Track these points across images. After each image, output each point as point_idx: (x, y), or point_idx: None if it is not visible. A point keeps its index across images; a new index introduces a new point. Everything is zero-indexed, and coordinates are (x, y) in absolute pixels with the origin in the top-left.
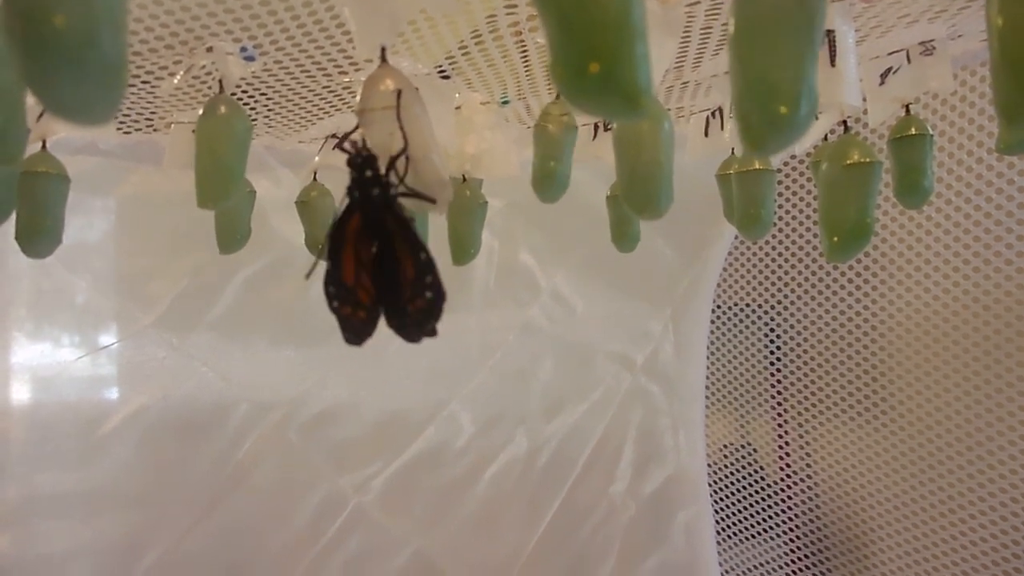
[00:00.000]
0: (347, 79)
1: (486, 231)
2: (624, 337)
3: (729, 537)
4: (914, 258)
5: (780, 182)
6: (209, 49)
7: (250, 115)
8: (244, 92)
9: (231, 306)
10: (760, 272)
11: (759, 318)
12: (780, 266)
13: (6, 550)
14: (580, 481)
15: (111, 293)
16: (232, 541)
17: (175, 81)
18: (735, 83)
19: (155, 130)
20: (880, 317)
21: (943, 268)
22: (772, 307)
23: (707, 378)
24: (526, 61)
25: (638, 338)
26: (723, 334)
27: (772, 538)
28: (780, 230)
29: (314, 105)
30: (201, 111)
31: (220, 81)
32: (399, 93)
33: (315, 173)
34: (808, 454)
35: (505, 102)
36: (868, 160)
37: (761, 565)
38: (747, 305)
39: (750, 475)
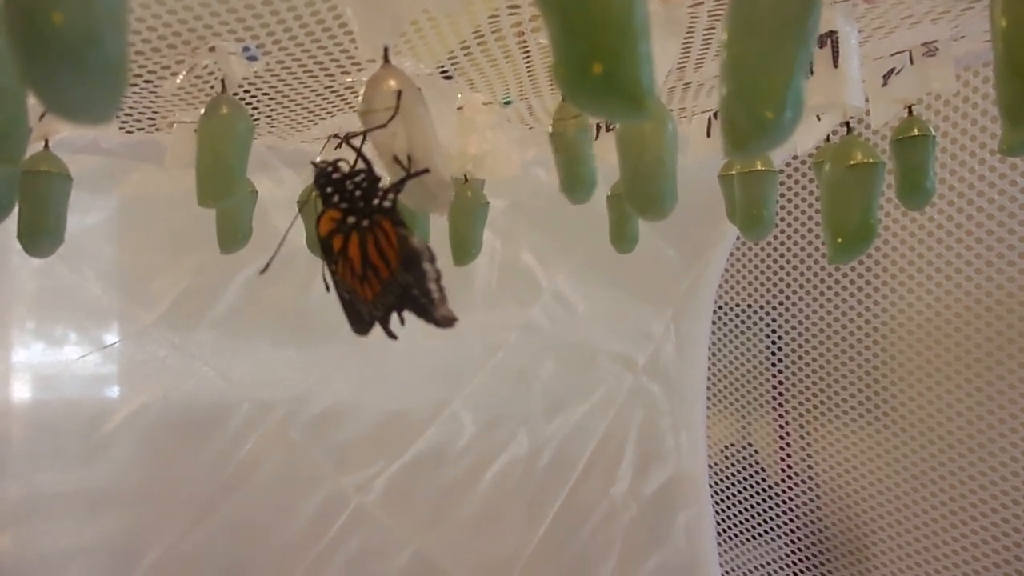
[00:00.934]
0: (349, 79)
1: (488, 231)
2: (625, 337)
3: (730, 538)
4: (916, 259)
5: (782, 183)
6: (212, 48)
7: (252, 115)
8: (246, 92)
9: (233, 305)
10: (762, 273)
11: (760, 319)
12: (782, 267)
13: (7, 549)
14: (581, 481)
15: (113, 292)
16: (233, 540)
17: (177, 80)
18: (724, 83)
19: (157, 129)
20: (882, 318)
21: (945, 269)
22: (773, 308)
23: (708, 378)
24: (528, 61)
25: (639, 338)
26: (724, 334)
27: (773, 539)
28: (782, 231)
29: (316, 105)
30: (203, 111)
31: (222, 81)
32: (399, 94)
33: None
34: (809, 455)
35: (507, 102)
36: (871, 161)
37: (762, 566)
38: (748, 306)
39: (751, 475)
